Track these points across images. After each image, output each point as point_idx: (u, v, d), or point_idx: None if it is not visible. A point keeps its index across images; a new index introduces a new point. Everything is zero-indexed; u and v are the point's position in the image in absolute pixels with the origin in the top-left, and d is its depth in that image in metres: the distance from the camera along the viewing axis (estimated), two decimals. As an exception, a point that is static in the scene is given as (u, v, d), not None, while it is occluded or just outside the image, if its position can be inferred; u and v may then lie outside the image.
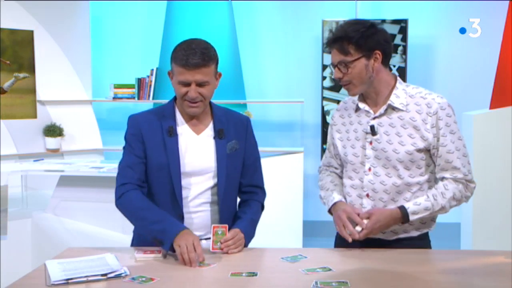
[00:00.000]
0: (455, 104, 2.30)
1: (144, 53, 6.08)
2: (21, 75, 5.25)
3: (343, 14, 5.78)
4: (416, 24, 5.66)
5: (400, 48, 5.54)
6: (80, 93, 5.66)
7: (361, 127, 2.31)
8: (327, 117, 5.70)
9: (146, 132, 2.30)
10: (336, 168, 2.47)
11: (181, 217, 2.27)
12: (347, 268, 2.03)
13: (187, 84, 2.21)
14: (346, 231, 2.21)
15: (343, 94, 5.54)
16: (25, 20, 5.25)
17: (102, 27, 6.04)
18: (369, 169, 2.28)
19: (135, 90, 5.73)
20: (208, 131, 2.34)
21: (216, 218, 2.32)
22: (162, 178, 2.28)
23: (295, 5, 5.96)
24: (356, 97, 2.34)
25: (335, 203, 2.32)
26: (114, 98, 5.74)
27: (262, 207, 2.46)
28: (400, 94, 2.26)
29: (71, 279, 1.88)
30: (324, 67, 5.69)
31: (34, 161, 4.78)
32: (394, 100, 2.25)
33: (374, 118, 2.28)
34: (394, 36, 5.49)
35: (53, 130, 5.38)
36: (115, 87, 5.73)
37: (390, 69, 2.33)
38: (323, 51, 5.69)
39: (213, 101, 2.38)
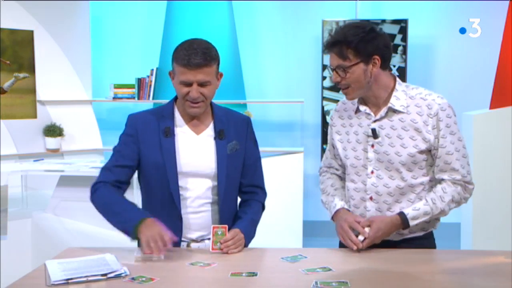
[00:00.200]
0: (455, 104, 2.30)
1: (144, 53, 6.08)
2: (21, 75, 5.25)
3: (343, 14, 5.79)
4: (416, 24, 5.66)
5: (400, 48, 5.54)
6: (80, 93, 5.66)
7: (362, 129, 2.30)
8: (327, 117, 5.70)
9: (143, 133, 2.30)
10: (337, 169, 2.47)
11: (179, 218, 2.27)
12: (347, 268, 2.03)
13: (189, 84, 2.20)
14: (349, 241, 2.21)
15: (343, 94, 5.53)
16: (25, 20, 5.25)
17: (102, 27, 6.04)
18: (372, 172, 2.27)
19: (135, 90, 5.73)
20: (209, 131, 2.33)
21: (217, 218, 2.32)
22: (159, 179, 2.28)
23: (295, 5, 5.96)
24: (356, 99, 2.34)
25: (337, 211, 2.32)
26: (114, 98, 5.74)
27: (263, 207, 2.46)
28: (400, 95, 2.25)
29: (71, 279, 1.88)
30: (324, 67, 5.68)
31: (34, 161, 4.78)
32: (394, 102, 2.24)
33: (375, 121, 2.27)
34: (394, 36, 5.49)
35: (53, 130, 5.38)
36: (115, 87, 5.73)
37: (390, 69, 2.32)
38: (323, 51, 5.64)
39: (213, 101, 2.38)
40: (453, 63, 5.84)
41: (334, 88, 5.66)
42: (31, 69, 5.31)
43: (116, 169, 2.30)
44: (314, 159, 5.91)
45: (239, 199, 2.46)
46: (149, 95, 5.71)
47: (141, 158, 2.30)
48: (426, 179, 2.26)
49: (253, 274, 1.96)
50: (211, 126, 2.34)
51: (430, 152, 2.24)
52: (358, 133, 2.31)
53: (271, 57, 6.06)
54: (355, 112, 2.33)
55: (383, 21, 5.54)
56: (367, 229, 2.20)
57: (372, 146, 2.27)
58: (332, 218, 2.35)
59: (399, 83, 2.29)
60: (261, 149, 2.49)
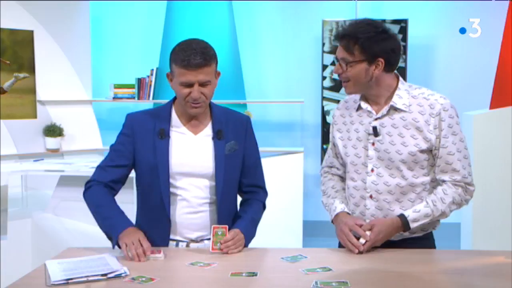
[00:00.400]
0: (455, 104, 2.29)
1: (144, 53, 6.08)
2: (21, 75, 5.25)
3: (343, 14, 5.78)
4: (416, 24, 5.65)
5: (400, 48, 5.53)
6: (80, 93, 5.66)
7: (363, 127, 2.30)
8: (327, 117, 5.70)
9: (139, 133, 2.30)
10: (338, 168, 2.46)
11: (168, 220, 2.28)
12: (347, 268, 2.03)
13: (190, 85, 2.20)
14: (350, 244, 2.21)
15: (343, 94, 5.54)
16: (25, 20, 5.25)
17: (102, 27, 6.04)
18: (372, 170, 2.27)
19: (135, 90, 5.74)
20: (207, 131, 2.33)
21: (215, 218, 2.32)
22: (152, 180, 2.28)
23: (295, 5, 5.95)
24: (358, 97, 2.33)
25: (337, 214, 2.32)
26: (114, 98, 5.74)
27: (264, 207, 2.46)
28: (403, 94, 2.25)
29: (71, 279, 1.88)
30: (324, 67, 5.68)
31: (34, 161, 4.78)
32: (396, 101, 2.24)
33: (376, 119, 2.27)
34: (394, 36, 5.48)
35: (53, 130, 5.38)
36: (115, 87, 5.74)
37: (402, 70, 2.31)
38: (323, 51, 5.69)
39: (213, 101, 2.37)
40: (453, 63, 5.83)
41: (334, 88, 5.66)
42: (31, 69, 5.31)
43: (111, 169, 2.32)
44: (314, 159, 5.90)
45: (239, 199, 2.46)
46: (149, 95, 5.72)
47: (135, 158, 2.31)
48: (427, 179, 2.26)
49: (253, 274, 1.96)
50: (210, 126, 2.34)
51: (431, 152, 2.24)
52: (359, 130, 2.30)
53: (271, 57, 6.06)
54: (357, 110, 2.33)
55: (383, 21, 5.53)
56: (368, 232, 2.20)
57: (373, 144, 2.27)
58: (332, 221, 2.35)
59: (402, 83, 2.28)
60: (261, 149, 2.49)
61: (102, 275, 1.92)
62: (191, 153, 2.30)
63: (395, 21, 5.55)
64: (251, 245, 2.32)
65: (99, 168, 2.35)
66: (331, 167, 2.49)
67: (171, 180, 2.28)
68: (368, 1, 5.85)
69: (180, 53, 2.18)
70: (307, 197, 5.50)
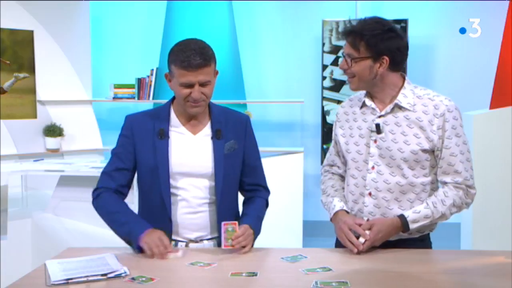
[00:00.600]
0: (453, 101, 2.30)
1: (144, 53, 6.08)
2: (21, 75, 5.25)
3: (343, 14, 5.78)
4: (416, 24, 5.65)
5: (400, 48, 5.52)
6: (80, 93, 5.66)
7: (366, 124, 2.30)
8: (327, 117, 5.70)
9: (138, 134, 2.30)
10: (339, 167, 2.46)
11: (169, 220, 2.28)
12: (347, 268, 2.03)
13: (190, 86, 2.20)
14: (349, 243, 2.21)
15: (343, 94, 5.54)
16: (25, 20, 5.25)
17: (102, 27, 6.04)
18: (373, 167, 2.27)
19: (135, 90, 5.74)
20: (206, 131, 2.33)
21: (215, 218, 2.32)
22: (153, 181, 2.28)
23: (295, 5, 5.95)
24: (362, 95, 2.34)
25: (336, 212, 2.32)
26: (114, 98, 5.75)
27: (267, 204, 2.47)
28: (408, 94, 2.26)
29: (71, 279, 1.88)
30: (324, 67, 5.68)
31: (34, 161, 4.78)
32: (401, 99, 2.25)
33: (380, 117, 2.27)
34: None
35: (53, 130, 5.38)
36: (115, 87, 5.74)
37: (402, 70, 2.31)
38: (323, 51, 5.69)
39: (213, 101, 2.37)
40: (453, 63, 5.83)
41: (334, 88, 5.66)
42: (31, 69, 5.31)
43: (116, 174, 2.31)
44: (314, 159, 5.90)
45: (241, 198, 2.46)
46: (149, 95, 5.72)
47: (136, 159, 2.31)
48: (427, 179, 2.26)
49: (253, 274, 1.96)
50: (209, 125, 2.34)
51: (433, 153, 2.24)
52: (362, 127, 2.31)
53: (271, 57, 6.06)
54: (361, 107, 2.33)
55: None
56: (367, 232, 2.20)
57: (375, 141, 2.27)
58: (331, 219, 2.35)
59: (408, 83, 2.29)
60: (261, 149, 2.50)
61: (102, 275, 1.92)
62: (191, 153, 2.30)
63: (395, 21, 5.53)
64: (251, 245, 2.32)
65: (104, 174, 2.34)
66: (332, 165, 2.49)
67: (171, 180, 2.28)
68: (368, 1, 5.85)
69: (179, 54, 2.18)
70: (307, 197, 5.50)
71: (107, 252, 2.15)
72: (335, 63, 5.61)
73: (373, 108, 2.29)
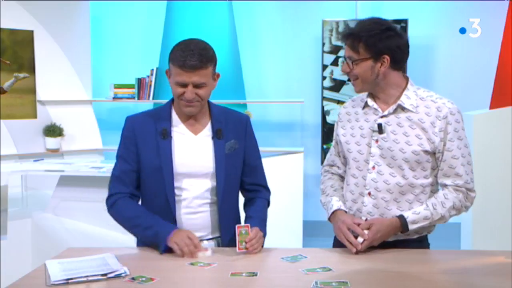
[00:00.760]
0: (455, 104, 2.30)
1: (144, 53, 6.08)
2: (21, 75, 5.25)
3: (343, 14, 5.79)
4: (416, 24, 5.65)
5: (400, 48, 5.52)
6: (80, 93, 5.66)
7: (368, 124, 2.30)
8: (327, 117, 5.70)
9: (140, 135, 2.30)
10: (338, 167, 2.47)
11: (173, 220, 2.27)
12: (347, 268, 2.03)
13: (184, 85, 2.20)
14: (348, 243, 2.21)
15: (343, 94, 5.54)
16: (25, 20, 5.25)
17: (102, 27, 6.04)
18: (373, 167, 2.27)
19: (135, 90, 5.74)
20: (206, 131, 2.33)
21: (216, 218, 2.32)
22: (156, 181, 2.28)
23: (295, 5, 5.95)
24: (365, 95, 2.34)
25: (334, 212, 2.32)
26: (114, 98, 5.75)
27: (268, 204, 2.47)
28: (411, 95, 2.26)
29: (71, 279, 1.88)
30: (324, 67, 5.68)
31: (34, 161, 4.78)
32: (404, 100, 2.25)
33: (382, 117, 2.28)
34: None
35: (53, 130, 5.38)
36: (115, 87, 5.74)
37: (403, 70, 2.32)
38: (323, 51, 5.69)
39: (213, 101, 2.37)
40: (453, 63, 5.83)
41: (334, 88, 5.66)
42: (31, 69, 5.31)
43: (126, 177, 2.31)
44: (314, 159, 5.91)
45: (242, 198, 2.46)
46: (149, 95, 5.72)
47: (139, 160, 2.30)
48: (427, 181, 2.26)
49: (253, 274, 1.96)
50: (209, 125, 2.34)
51: (434, 155, 2.24)
52: (364, 127, 2.31)
53: (271, 57, 6.06)
54: (363, 108, 2.34)
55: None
56: (366, 231, 2.20)
57: (377, 141, 2.27)
58: (329, 218, 2.35)
59: (411, 84, 2.30)
60: (261, 149, 2.50)
61: (102, 275, 1.92)
62: (192, 153, 2.30)
63: (395, 21, 5.53)
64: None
65: (114, 179, 2.33)
66: (332, 165, 2.50)
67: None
68: (368, 1, 5.85)
69: (178, 53, 2.19)
70: (307, 197, 5.50)
71: (107, 252, 2.15)
72: (335, 63, 5.61)
73: (375, 109, 2.30)
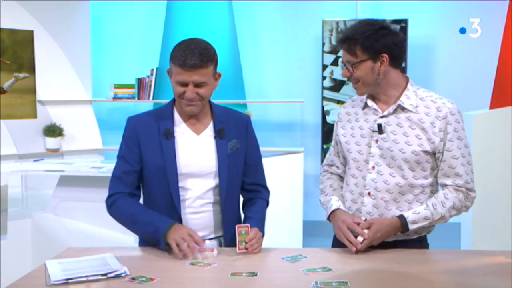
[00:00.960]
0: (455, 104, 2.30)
1: (144, 53, 6.08)
2: (21, 75, 5.25)
3: (343, 14, 5.79)
4: (416, 24, 5.66)
5: (400, 48, 5.52)
6: (80, 93, 5.66)
7: (368, 125, 2.30)
8: (327, 117, 5.70)
9: (143, 135, 2.30)
10: (338, 167, 2.47)
11: (179, 220, 2.27)
12: (347, 268, 2.03)
13: (185, 84, 2.20)
14: (348, 242, 2.21)
15: (343, 94, 5.54)
16: (25, 20, 5.25)
17: (102, 27, 6.04)
18: (373, 167, 2.27)
19: (135, 90, 5.74)
20: (208, 131, 2.33)
21: (219, 218, 2.32)
22: (160, 181, 2.28)
23: (295, 5, 5.95)
24: (365, 96, 2.34)
25: (333, 211, 2.32)
26: (114, 98, 5.75)
27: (267, 204, 2.47)
28: (411, 95, 2.26)
29: (71, 279, 1.89)
30: (324, 67, 5.68)
31: (34, 161, 4.78)
32: (404, 100, 2.25)
33: (382, 117, 2.28)
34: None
35: (53, 130, 5.38)
36: (115, 87, 5.74)
37: (403, 70, 2.32)
38: (323, 51, 5.69)
39: (213, 101, 2.38)
40: (453, 63, 5.84)
41: (334, 88, 5.66)
42: (31, 69, 5.31)
43: (126, 178, 2.30)
44: (314, 159, 5.91)
45: (241, 198, 2.46)
46: (149, 95, 5.71)
47: (142, 160, 2.30)
48: (427, 181, 2.26)
49: (253, 274, 1.96)
50: (211, 125, 2.34)
51: (434, 155, 2.24)
52: (363, 128, 2.31)
53: (271, 57, 6.06)
54: (363, 108, 2.34)
55: (383, 21, 5.53)
56: (366, 231, 2.20)
57: (376, 141, 2.27)
58: (329, 218, 2.35)
59: (411, 84, 2.30)
60: (261, 149, 2.50)
61: (102, 275, 1.92)
62: (195, 153, 2.30)
63: (395, 21, 5.54)
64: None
65: (115, 179, 2.32)
66: (331, 165, 2.50)
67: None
68: (368, 1, 5.86)
69: (179, 52, 2.19)
70: (307, 197, 5.50)
71: (107, 252, 2.15)
72: (335, 63, 5.61)
73: (374, 109, 2.30)
